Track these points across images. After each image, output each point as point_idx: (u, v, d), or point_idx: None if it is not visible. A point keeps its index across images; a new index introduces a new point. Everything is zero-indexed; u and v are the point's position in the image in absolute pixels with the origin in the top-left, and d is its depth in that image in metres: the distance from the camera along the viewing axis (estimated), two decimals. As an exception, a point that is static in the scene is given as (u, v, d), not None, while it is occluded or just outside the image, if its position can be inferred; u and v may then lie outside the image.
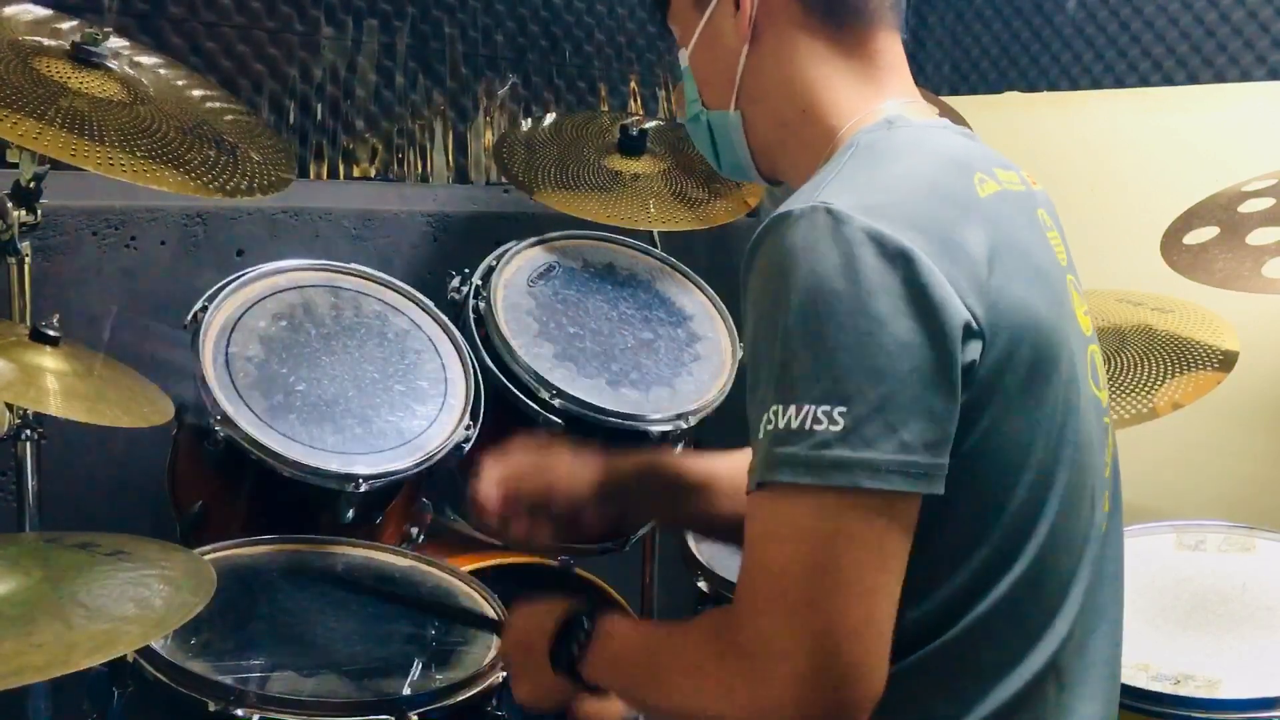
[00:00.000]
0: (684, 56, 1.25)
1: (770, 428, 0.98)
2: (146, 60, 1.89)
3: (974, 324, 0.99)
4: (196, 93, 1.91)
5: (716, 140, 1.25)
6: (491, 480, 1.40)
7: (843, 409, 0.95)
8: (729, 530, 1.29)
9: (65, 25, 1.82)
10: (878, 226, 0.98)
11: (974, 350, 1.00)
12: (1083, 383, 1.12)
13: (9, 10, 1.78)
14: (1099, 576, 1.16)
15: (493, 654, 1.56)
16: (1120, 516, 1.23)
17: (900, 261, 0.97)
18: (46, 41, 1.76)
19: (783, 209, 1.02)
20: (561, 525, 1.42)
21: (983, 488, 1.03)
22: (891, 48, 1.18)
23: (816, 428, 0.95)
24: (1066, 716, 1.11)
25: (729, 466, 1.39)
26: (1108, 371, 1.94)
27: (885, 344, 0.96)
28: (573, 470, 1.41)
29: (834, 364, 0.96)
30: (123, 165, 1.60)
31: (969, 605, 1.04)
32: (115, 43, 1.80)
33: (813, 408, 0.96)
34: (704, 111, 1.25)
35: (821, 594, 0.95)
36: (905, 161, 1.07)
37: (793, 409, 0.97)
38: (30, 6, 1.82)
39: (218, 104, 1.92)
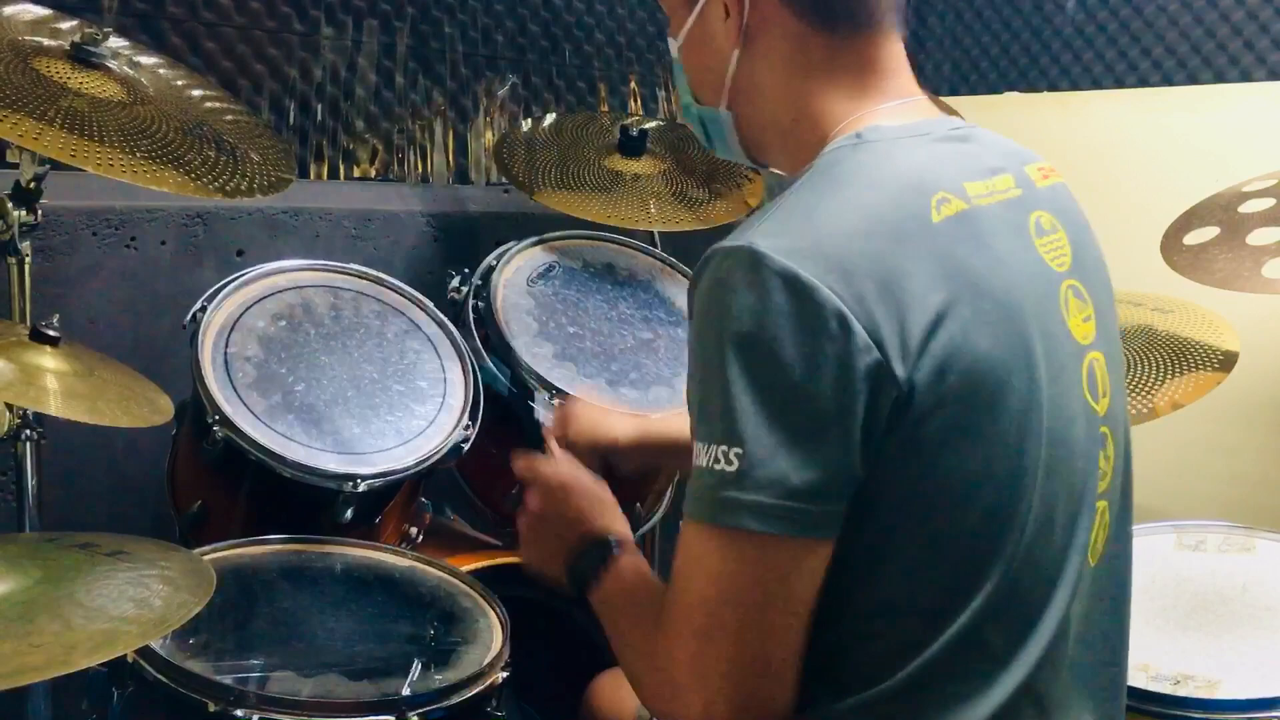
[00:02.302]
0: (674, 46, 1.23)
1: (694, 462, 1.02)
2: (146, 60, 1.89)
3: (892, 368, 0.97)
4: (196, 93, 1.91)
5: (709, 132, 1.25)
6: (570, 415, 1.55)
7: (739, 450, 0.97)
8: None
9: (65, 25, 1.82)
10: (795, 270, 0.97)
11: (891, 395, 0.98)
12: (1061, 399, 1.08)
13: (8, 10, 1.78)
14: (1090, 594, 1.13)
15: (494, 653, 1.56)
16: (1128, 525, 1.20)
17: (811, 307, 0.96)
18: (46, 41, 1.76)
19: (717, 245, 1.03)
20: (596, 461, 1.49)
21: (927, 523, 1.02)
22: (892, 51, 1.16)
23: (716, 467, 0.98)
24: None
25: None
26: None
27: (786, 389, 0.96)
28: (644, 442, 1.55)
29: (736, 406, 0.97)
30: (122, 165, 1.60)
31: (930, 637, 1.03)
32: (115, 42, 1.80)
33: (715, 447, 0.98)
34: (695, 105, 1.24)
35: (717, 631, 1.00)
36: (850, 190, 1.05)
37: (701, 446, 1.00)
38: (30, 6, 1.82)
39: (218, 104, 1.92)
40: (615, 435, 1.54)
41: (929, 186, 1.06)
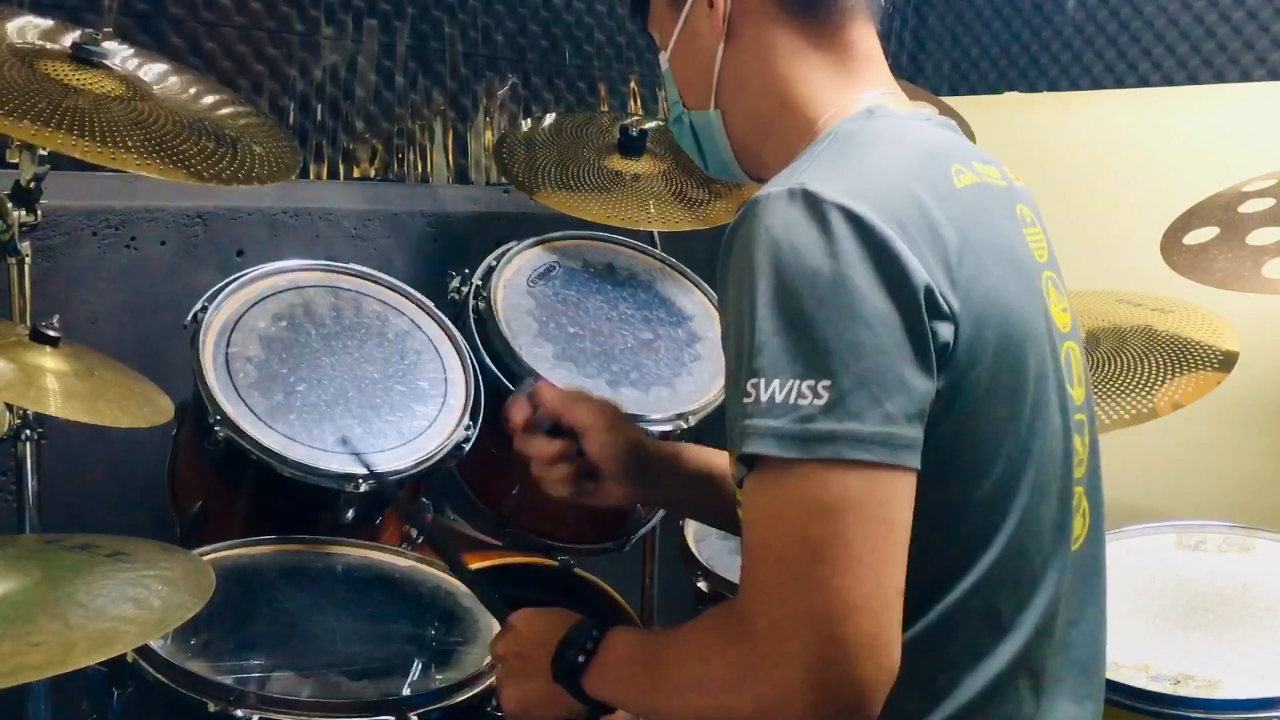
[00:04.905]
0: (664, 60, 1.26)
1: (751, 401, 0.98)
2: (152, 68, 1.88)
3: (945, 307, 1.00)
4: (208, 100, 1.91)
5: (700, 140, 1.26)
6: (546, 389, 1.40)
7: (827, 382, 0.96)
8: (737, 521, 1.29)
9: (66, 36, 1.82)
10: (854, 206, 0.99)
11: (946, 332, 1.00)
12: (1054, 378, 1.13)
13: (12, 25, 1.78)
14: (1076, 574, 1.16)
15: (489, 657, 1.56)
16: (1100, 515, 1.23)
17: (875, 240, 0.98)
18: (48, 45, 1.76)
19: (760, 192, 1.03)
20: (579, 474, 1.41)
21: (953, 477, 1.04)
22: (867, 39, 1.19)
23: (800, 402, 0.96)
24: (1044, 715, 1.12)
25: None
26: (1108, 372, 1.94)
27: (866, 318, 0.97)
28: (615, 425, 1.40)
29: (816, 338, 0.96)
30: (120, 157, 1.59)
31: (937, 596, 1.05)
32: (116, 46, 1.80)
33: (796, 382, 0.96)
34: (686, 113, 1.26)
35: (821, 569, 0.94)
36: (882, 150, 1.08)
37: (776, 383, 0.97)
38: (33, 19, 1.82)
39: (229, 108, 1.92)
40: (585, 419, 1.39)
41: (946, 157, 1.11)
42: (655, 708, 1.12)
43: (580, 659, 1.15)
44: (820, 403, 0.95)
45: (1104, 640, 1.23)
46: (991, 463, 1.05)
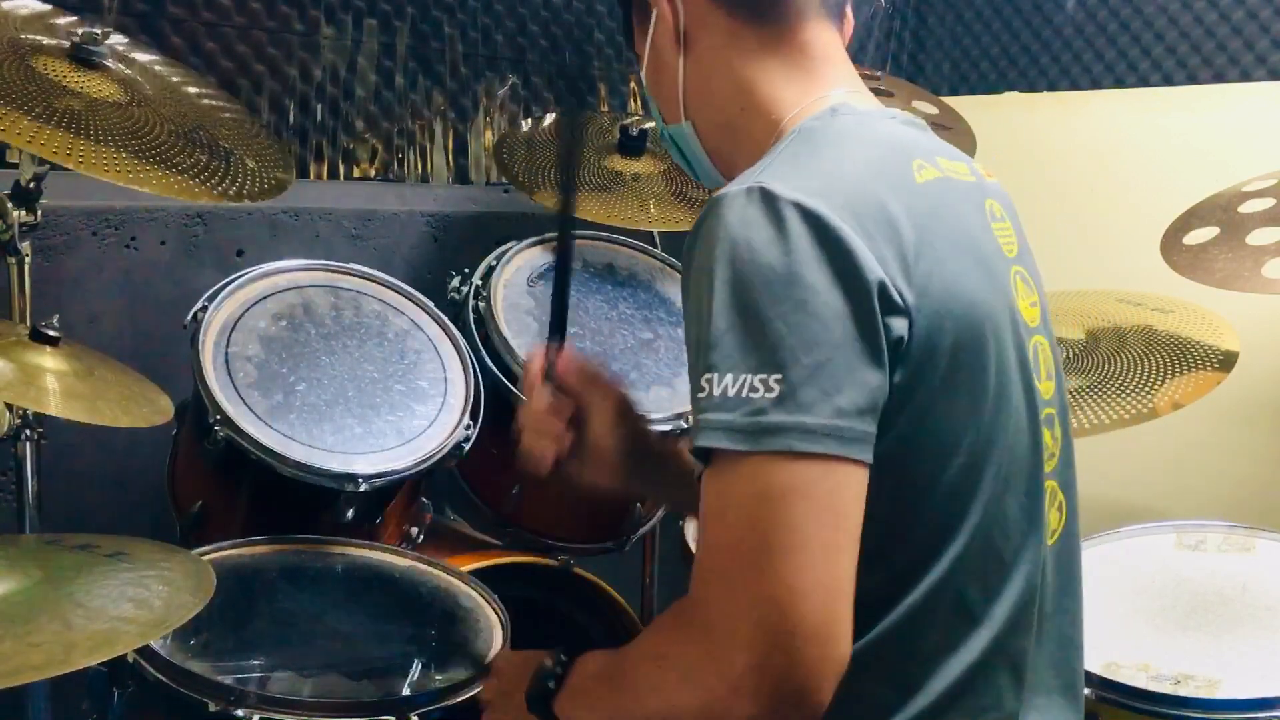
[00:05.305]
0: (644, 78, 1.28)
1: (704, 395, 1.00)
2: (145, 58, 1.88)
3: (900, 301, 1.01)
4: (193, 89, 1.91)
5: (685, 153, 1.28)
6: (568, 358, 1.44)
7: (778, 376, 0.97)
8: None
9: (63, 21, 1.82)
10: (810, 203, 1.00)
11: (900, 327, 1.01)
12: (1019, 372, 1.14)
13: (7, 5, 1.78)
14: (1051, 570, 1.17)
15: (494, 653, 1.56)
16: (1075, 509, 1.24)
17: (830, 236, 1.00)
18: (45, 40, 1.76)
19: (721, 190, 1.05)
20: (580, 456, 1.42)
21: (913, 468, 1.05)
22: (823, 37, 1.19)
23: (752, 395, 0.97)
24: (1028, 709, 1.13)
25: None
26: (1108, 372, 1.94)
27: (818, 312, 0.98)
28: (623, 414, 1.43)
29: (769, 333, 0.98)
30: (113, 166, 1.59)
31: (906, 588, 1.06)
32: (113, 39, 1.80)
33: (749, 376, 0.98)
34: (666, 128, 1.28)
35: (767, 558, 0.95)
36: (842, 146, 1.10)
37: (729, 377, 0.99)
38: (29, 1, 1.82)
39: (215, 102, 1.92)
40: (596, 401, 1.43)
41: (908, 153, 1.13)
42: (620, 714, 1.12)
43: (551, 684, 1.17)
44: (771, 396, 0.97)
45: (1081, 635, 1.24)
46: (952, 454, 1.06)
